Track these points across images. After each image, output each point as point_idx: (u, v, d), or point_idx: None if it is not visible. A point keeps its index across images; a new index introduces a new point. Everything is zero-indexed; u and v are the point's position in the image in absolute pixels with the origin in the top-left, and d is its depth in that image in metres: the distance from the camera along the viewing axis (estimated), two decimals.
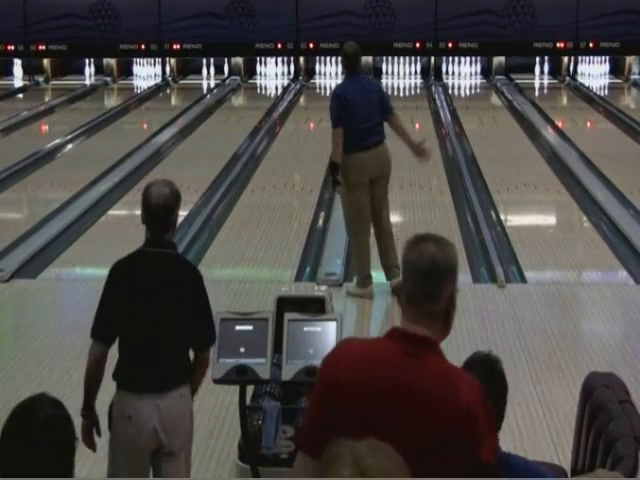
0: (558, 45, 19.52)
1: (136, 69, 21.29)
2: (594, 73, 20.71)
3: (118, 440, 4.26)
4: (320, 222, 10.24)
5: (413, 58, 20.86)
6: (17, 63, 21.20)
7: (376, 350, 2.84)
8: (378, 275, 8.06)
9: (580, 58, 20.50)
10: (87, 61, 21.30)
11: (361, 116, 7.82)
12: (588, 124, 16.75)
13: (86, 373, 4.28)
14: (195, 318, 4.27)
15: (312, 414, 2.92)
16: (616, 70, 20.63)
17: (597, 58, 20.63)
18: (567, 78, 20.37)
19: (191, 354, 4.41)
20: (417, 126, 15.42)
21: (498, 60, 20.65)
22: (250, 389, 5.07)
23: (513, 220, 10.73)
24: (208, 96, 19.60)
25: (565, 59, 20.54)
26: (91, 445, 4.34)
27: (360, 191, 7.93)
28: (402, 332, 2.82)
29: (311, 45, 19.76)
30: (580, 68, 20.72)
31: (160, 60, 20.96)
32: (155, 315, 4.21)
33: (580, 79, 20.30)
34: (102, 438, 4.37)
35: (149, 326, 4.21)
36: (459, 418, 2.70)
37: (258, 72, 21.23)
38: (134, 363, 4.24)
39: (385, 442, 2.60)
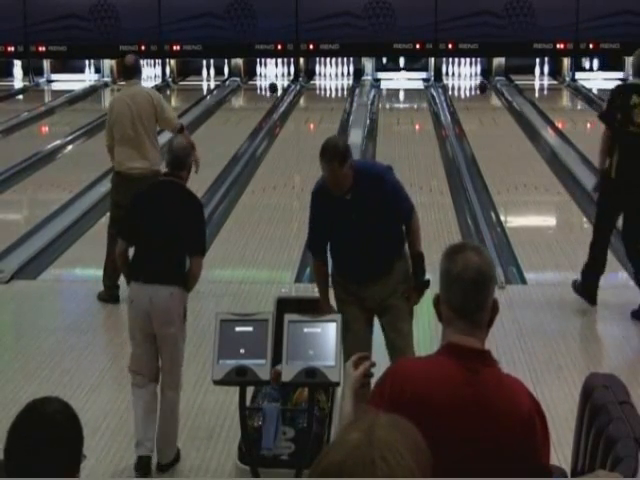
0: (558, 46, 19.51)
1: None
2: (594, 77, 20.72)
3: (129, 320, 5.50)
4: None
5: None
6: (17, 64, 21.21)
7: (438, 368, 2.87)
8: None
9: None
10: (87, 62, 21.30)
11: None
12: (588, 125, 16.74)
13: (118, 264, 5.83)
14: (191, 232, 5.48)
15: None
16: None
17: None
18: (567, 79, 20.39)
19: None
20: (417, 127, 15.43)
21: (498, 61, 20.65)
22: (250, 390, 5.08)
23: (513, 221, 10.73)
24: (208, 97, 19.60)
25: (565, 60, 20.54)
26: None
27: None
28: (458, 347, 2.86)
29: (311, 46, 19.76)
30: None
31: (160, 61, 20.96)
32: (158, 226, 5.43)
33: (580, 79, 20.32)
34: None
35: (153, 233, 5.44)
36: (522, 427, 2.83)
37: (258, 73, 21.24)
38: (138, 259, 5.50)
39: (455, 456, 2.72)
